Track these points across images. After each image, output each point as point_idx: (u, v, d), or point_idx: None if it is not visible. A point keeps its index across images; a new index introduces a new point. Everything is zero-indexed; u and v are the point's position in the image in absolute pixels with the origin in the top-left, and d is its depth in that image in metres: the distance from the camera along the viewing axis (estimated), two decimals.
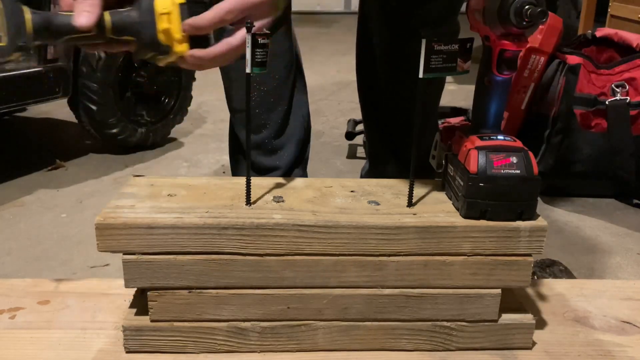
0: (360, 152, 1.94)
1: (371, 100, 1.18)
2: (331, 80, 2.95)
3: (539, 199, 1.72)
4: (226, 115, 1.16)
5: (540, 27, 1.65)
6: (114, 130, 1.83)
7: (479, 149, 0.66)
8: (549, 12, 1.77)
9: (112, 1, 0.67)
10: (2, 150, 1.96)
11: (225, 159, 1.45)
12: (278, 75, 1.04)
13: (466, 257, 0.66)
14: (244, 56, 0.64)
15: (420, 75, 0.63)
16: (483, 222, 0.66)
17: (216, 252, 0.65)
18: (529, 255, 0.67)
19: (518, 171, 0.65)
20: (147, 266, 0.65)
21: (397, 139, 1.16)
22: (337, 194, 0.73)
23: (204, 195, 0.71)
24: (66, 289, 0.83)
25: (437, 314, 0.69)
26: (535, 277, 1.03)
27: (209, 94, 2.51)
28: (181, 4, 0.66)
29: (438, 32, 1.03)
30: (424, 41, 0.62)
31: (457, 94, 2.62)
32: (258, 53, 0.64)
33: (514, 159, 0.65)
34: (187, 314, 0.67)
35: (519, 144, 0.68)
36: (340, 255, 0.65)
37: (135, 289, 0.71)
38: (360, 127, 1.89)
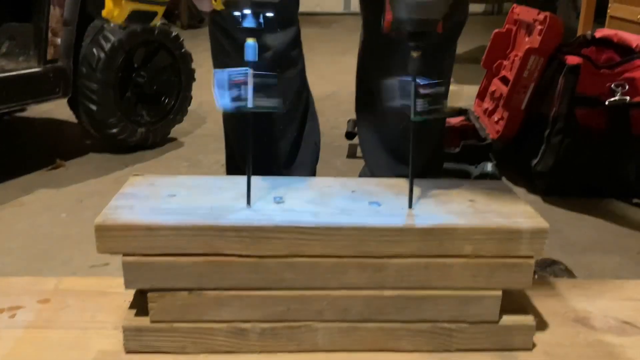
0: (360, 152, 1.94)
1: (368, 103, 1.15)
2: (331, 80, 2.95)
3: (539, 198, 1.71)
4: None
5: (540, 27, 1.65)
6: (114, 130, 1.83)
7: None
8: (549, 13, 1.76)
9: None
10: (2, 150, 1.96)
11: None
12: (288, 100, 0.98)
13: (467, 259, 0.66)
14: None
15: (412, 118, 0.65)
16: (484, 224, 0.65)
17: (216, 253, 0.65)
18: (530, 257, 0.66)
19: None
20: (147, 267, 0.65)
21: (394, 146, 1.12)
22: (338, 194, 0.72)
23: (204, 196, 0.71)
24: (66, 288, 0.83)
25: (437, 315, 0.68)
26: (536, 277, 1.03)
27: (209, 94, 2.48)
28: None
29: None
30: (412, 85, 0.64)
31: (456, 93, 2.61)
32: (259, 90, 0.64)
33: None
34: (187, 315, 0.67)
35: None
36: (340, 257, 0.65)
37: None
38: None
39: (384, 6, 0.74)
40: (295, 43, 0.99)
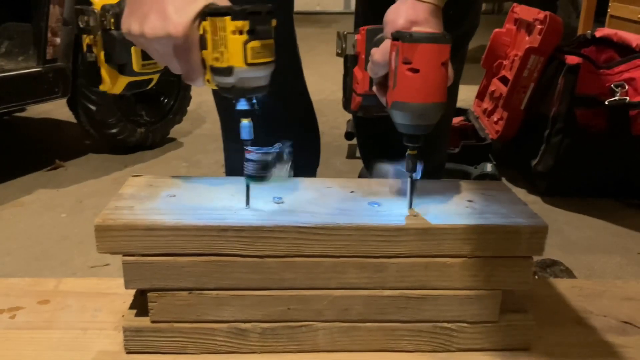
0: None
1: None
2: (331, 80, 2.95)
3: (539, 198, 1.70)
4: None
5: (540, 27, 1.65)
6: (114, 130, 1.83)
7: None
8: (549, 12, 1.76)
9: None
10: (2, 150, 1.96)
11: None
12: (287, 104, 0.97)
13: (467, 258, 0.66)
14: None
15: (406, 212, 0.67)
16: (484, 224, 0.65)
17: (216, 253, 0.65)
18: (530, 257, 0.67)
19: None
20: (147, 267, 0.65)
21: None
22: (337, 194, 0.72)
23: (204, 196, 0.71)
24: (66, 289, 0.83)
25: (437, 315, 0.68)
26: (536, 277, 1.03)
27: (208, 94, 2.49)
28: None
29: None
30: (408, 180, 0.66)
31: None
32: (250, 166, 0.65)
33: None
34: (188, 315, 0.67)
35: None
36: (340, 257, 0.65)
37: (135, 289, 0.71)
38: None
39: (349, 81, 0.75)
40: (290, 46, 0.98)
